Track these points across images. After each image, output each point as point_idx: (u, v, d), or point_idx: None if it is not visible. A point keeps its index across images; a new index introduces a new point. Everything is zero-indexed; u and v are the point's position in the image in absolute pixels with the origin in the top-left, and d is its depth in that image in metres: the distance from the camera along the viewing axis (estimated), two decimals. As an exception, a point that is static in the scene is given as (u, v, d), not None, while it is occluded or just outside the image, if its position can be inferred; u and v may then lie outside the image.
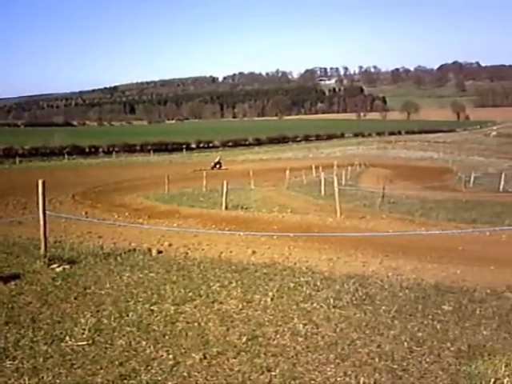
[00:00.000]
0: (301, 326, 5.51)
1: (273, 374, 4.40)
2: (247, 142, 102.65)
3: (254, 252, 10.38)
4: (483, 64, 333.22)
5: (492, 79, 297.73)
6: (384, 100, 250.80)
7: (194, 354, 4.72)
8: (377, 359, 4.67)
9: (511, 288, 7.15)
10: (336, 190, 18.20)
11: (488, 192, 31.68)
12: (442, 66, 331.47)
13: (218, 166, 53.26)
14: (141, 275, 7.58)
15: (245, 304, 6.25)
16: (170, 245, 11.19)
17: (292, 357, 4.75)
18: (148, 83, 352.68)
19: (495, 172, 46.17)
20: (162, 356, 4.70)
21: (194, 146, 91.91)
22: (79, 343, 4.95)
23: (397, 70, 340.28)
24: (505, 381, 4.23)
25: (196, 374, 4.37)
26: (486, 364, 4.51)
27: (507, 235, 12.69)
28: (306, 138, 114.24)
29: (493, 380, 4.25)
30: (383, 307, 6.10)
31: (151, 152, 78.52)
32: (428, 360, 4.68)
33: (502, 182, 34.41)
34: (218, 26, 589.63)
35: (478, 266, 9.08)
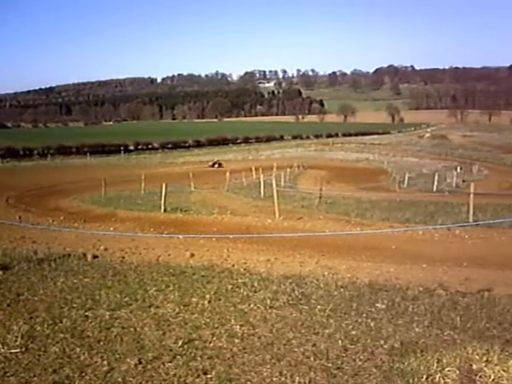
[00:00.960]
0: (237, 327, 5.53)
1: (209, 376, 4.40)
2: (187, 144, 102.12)
3: (192, 255, 10.33)
4: (417, 67, 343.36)
5: (426, 82, 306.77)
6: (322, 103, 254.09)
7: (128, 360, 4.66)
8: (312, 358, 4.74)
9: (443, 285, 7.38)
10: (275, 191, 18.40)
11: (422, 192, 32.60)
12: (377, 70, 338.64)
13: (216, 165, 54.84)
14: (75, 281, 7.42)
15: (182, 307, 6.22)
16: (105, 249, 10.99)
17: (228, 358, 4.77)
18: (85, 84, 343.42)
19: (429, 173, 47.53)
20: (96, 362, 4.62)
21: (132, 147, 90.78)
22: (12, 351, 4.82)
23: (334, 73, 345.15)
24: (437, 377, 4.35)
25: (131, 379, 4.32)
26: (418, 360, 4.62)
27: (440, 234, 13.13)
28: (246, 140, 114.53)
29: (425, 376, 4.37)
30: (319, 306, 6.20)
31: (88, 154, 76.90)
32: (362, 358, 4.77)
33: (436, 183, 35.51)
34: (156, 26, 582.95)
35: (411, 265, 9.36)
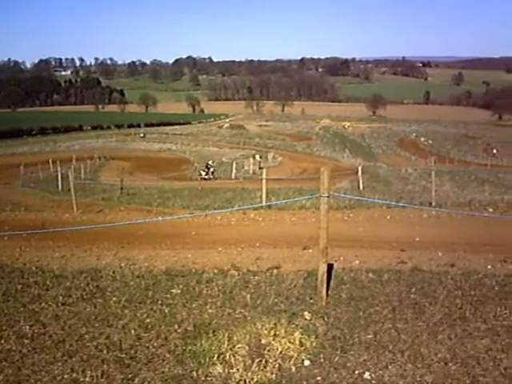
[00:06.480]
0: (27, 327, 5.28)
1: (-5, 381, 4.17)
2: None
3: (-22, 256, 9.52)
4: (215, 59, 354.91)
5: (223, 74, 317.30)
6: (122, 93, 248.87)
7: None
8: (105, 351, 4.70)
9: (236, 266, 7.70)
10: (71, 184, 17.87)
11: (221, 180, 33.85)
12: (176, 61, 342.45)
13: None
14: None
15: (-36, 313, 5.74)
16: None
17: (17, 360, 4.57)
18: None
19: (228, 161, 49.43)
20: None
21: None
22: None
23: (133, 62, 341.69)
24: (227, 354, 4.54)
25: None
26: (210, 341, 4.79)
27: (236, 218, 13.70)
28: (43, 131, 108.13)
29: (216, 355, 4.55)
30: (114, 298, 6.12)
31: None
32: (155, 344, 4.83)
33: (234, 171, 37.14)
34: None
35: (208, 249, 9.61)
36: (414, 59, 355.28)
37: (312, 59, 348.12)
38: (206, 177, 36.87)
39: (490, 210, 14.38)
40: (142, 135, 79.34)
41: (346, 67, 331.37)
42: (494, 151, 71.25)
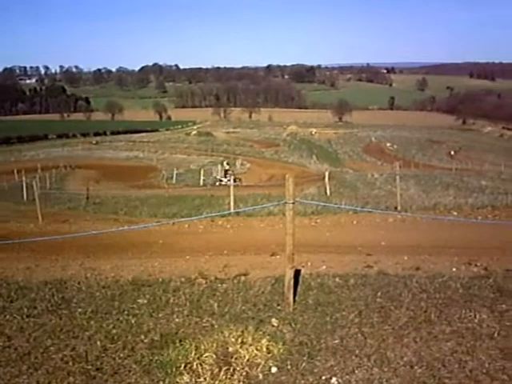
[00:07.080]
0: (-8, 340, 5.17)
1: (-42, 397, 4.08)
2: None
3: None
4: (182, 66, 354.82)
5: (190, 81, 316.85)
6: (87, 100, 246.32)
7: None
8: (71, 363, 4.62)
9: (203, 274, 7.66)
10: (36, 194, 17.60)
11: (189, 187, 33.73)
12: (143, 68, 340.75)
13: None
14: None
15: None
16: None
17: (-18, 375, 4.45)
18: None
19: (196, 168, 49.28)
20: None
21: None
22: None
23: (99, 70, 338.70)
24: (194, 364, 4.51)
25: None
26: (177, 350, 4.75)
27: (204, 226, 13.70)
28: (7, 141, 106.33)
29: (183, 365, 4.51)
30: (79, 309, 6.02)
31: None
32: (122, 355, 4.77)
33: (202, 177, 37.01)
34: None
35: (176, 257, 9.54)
36: (379, 65, 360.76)
37: (278, 66, 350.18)
38: (229, 183, 36.21)
39: (455, 213, 14.63)
40: (94, 142, 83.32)
41: (312, 74, 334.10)
42: (452, 153, 72.85)
